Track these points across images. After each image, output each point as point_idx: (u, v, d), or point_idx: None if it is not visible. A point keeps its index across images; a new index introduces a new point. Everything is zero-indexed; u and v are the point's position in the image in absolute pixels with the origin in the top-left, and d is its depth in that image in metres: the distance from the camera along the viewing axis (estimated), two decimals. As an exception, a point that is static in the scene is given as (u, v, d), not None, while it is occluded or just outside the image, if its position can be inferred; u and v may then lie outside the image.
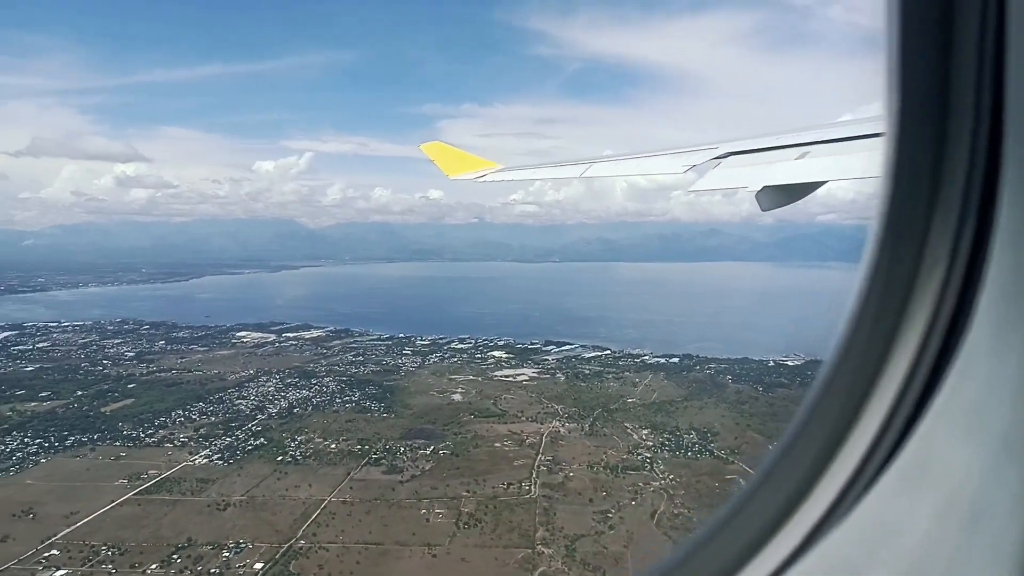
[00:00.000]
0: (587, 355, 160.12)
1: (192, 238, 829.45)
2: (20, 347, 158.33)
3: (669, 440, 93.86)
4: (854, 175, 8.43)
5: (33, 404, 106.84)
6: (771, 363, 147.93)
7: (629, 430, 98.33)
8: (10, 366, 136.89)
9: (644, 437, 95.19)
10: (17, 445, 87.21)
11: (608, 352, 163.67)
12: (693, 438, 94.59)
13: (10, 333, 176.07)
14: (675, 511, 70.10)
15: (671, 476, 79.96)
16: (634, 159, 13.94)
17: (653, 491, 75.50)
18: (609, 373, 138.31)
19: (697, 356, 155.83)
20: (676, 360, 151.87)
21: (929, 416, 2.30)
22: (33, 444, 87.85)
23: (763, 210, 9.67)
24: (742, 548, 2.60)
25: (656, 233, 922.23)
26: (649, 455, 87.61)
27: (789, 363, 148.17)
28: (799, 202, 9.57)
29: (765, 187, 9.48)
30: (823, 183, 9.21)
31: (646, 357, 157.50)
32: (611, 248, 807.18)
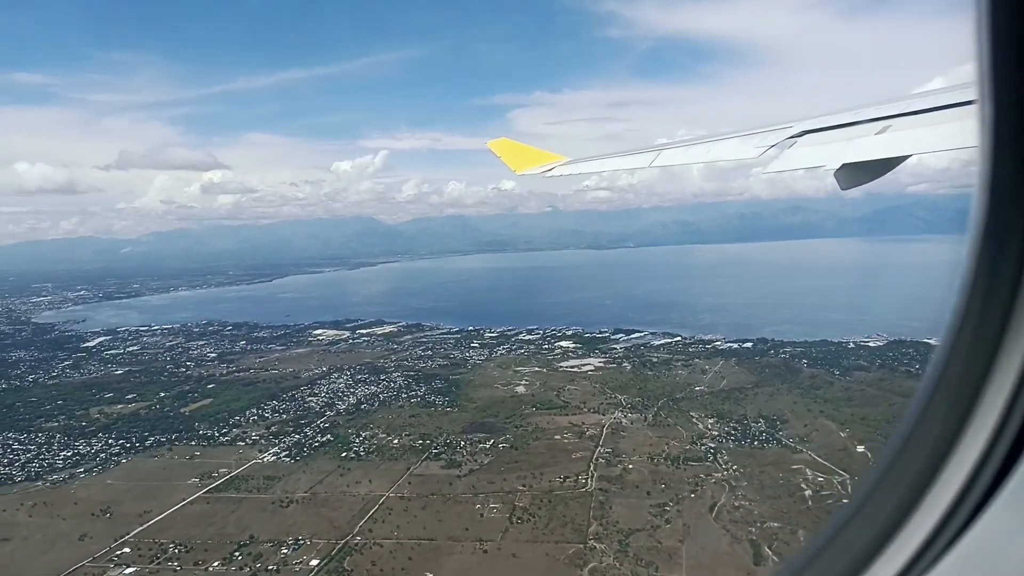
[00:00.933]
0: (656, 343, 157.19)
1: (276, 239, 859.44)
2: (112, 351, 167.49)
3: (735, 429, 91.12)
4: (939, 148, 8.14)
5: (119, 406, 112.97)
6: (851, 345, 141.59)
7: (694, 419, 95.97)
8: (102, 370, 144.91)
9: (709, 426, 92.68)
10: (102, 446, 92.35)
11: (678, 339, 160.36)
12: (761, 426, 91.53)
13: (104, 338, 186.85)
14: (735, 504, 67.77)
15: (734, 467, 77.50)
16: (704, 143, 13.44)
17: (715, 483, 73.32)
18: (678, 360, 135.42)
19: (772, 340, 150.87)
20: (750, 345, 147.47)
21: None
22: (116, 445, 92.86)
23: (842, 189, 9.53)
24: None
25: (736, 212, 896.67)
26: (713, 445, 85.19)
27: (871, 344, 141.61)
28: (888, 174, 9.30)
29: (844, 165, 9.17)
30: (906, 158, 8.78)
31: (718, 343, 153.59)
32: (688, 230, 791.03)
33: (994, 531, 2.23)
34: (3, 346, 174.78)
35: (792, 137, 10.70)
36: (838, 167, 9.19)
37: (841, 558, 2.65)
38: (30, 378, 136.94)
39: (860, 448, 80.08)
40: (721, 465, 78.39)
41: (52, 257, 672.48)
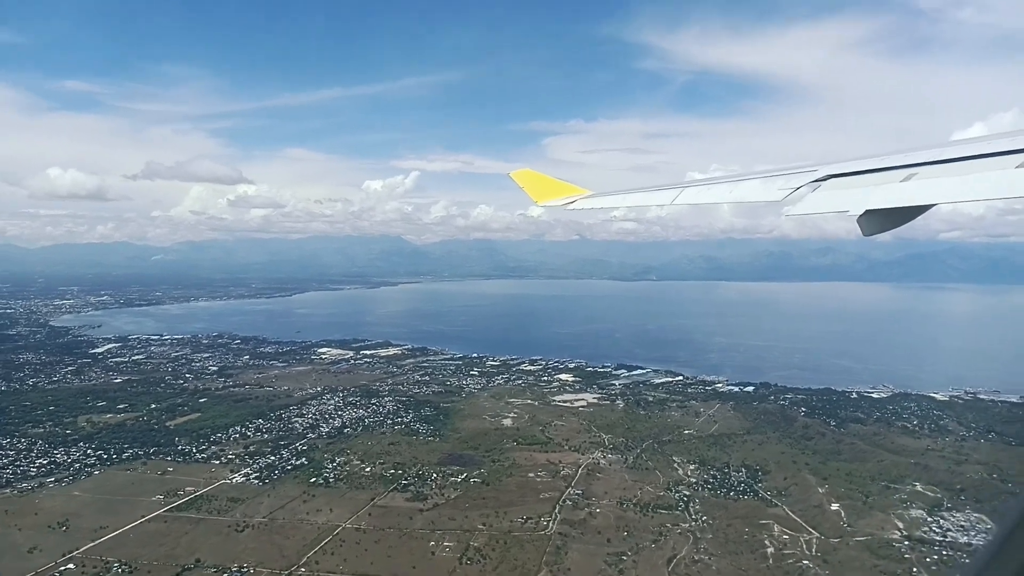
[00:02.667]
0: (657, 380, 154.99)
1: (304, 254, 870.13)
2: (118, 359, 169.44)
3: (715, 477, 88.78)
4: (964, 199, 8.01)
5: (108, 416, 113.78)
6: (854, 395, 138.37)
7: (675, 464, 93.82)
8: (102, 377, 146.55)
9: (689, 473, 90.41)
10: (79, 456, 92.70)
11: (680, 378, 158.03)
12: (741, 476, 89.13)
13: (113, 345, 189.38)
14: (695, 557, 65.51)
15: (704, 518, 75.18)
16: (727, 183, 13.48)
17: (680, 533, 71.10)
18: (674, 401, 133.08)
19: (776, 385, 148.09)
20: (751, 389, 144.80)
21: None
22: (93, 456, 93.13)
23: (865, 235, 9.39)
24: None
25: (764, 251, 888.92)
26: (688, 493, 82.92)
27: (874, 395, 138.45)
28: (920, 219, 9.25)
29: (867, 211, 9.13)
30: (930, 207, 8.79)
31: (719, 385, 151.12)
32: (714, 266, 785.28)
33: None
34: (16, 348, 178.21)
35: (817, 180, 10.71)
36: (861, 213, 9.15)
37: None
38: (31, 381, 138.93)
39: (835, 506, 77.37)
40: (691, 515, 76.10)
41: (84, 260, 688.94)
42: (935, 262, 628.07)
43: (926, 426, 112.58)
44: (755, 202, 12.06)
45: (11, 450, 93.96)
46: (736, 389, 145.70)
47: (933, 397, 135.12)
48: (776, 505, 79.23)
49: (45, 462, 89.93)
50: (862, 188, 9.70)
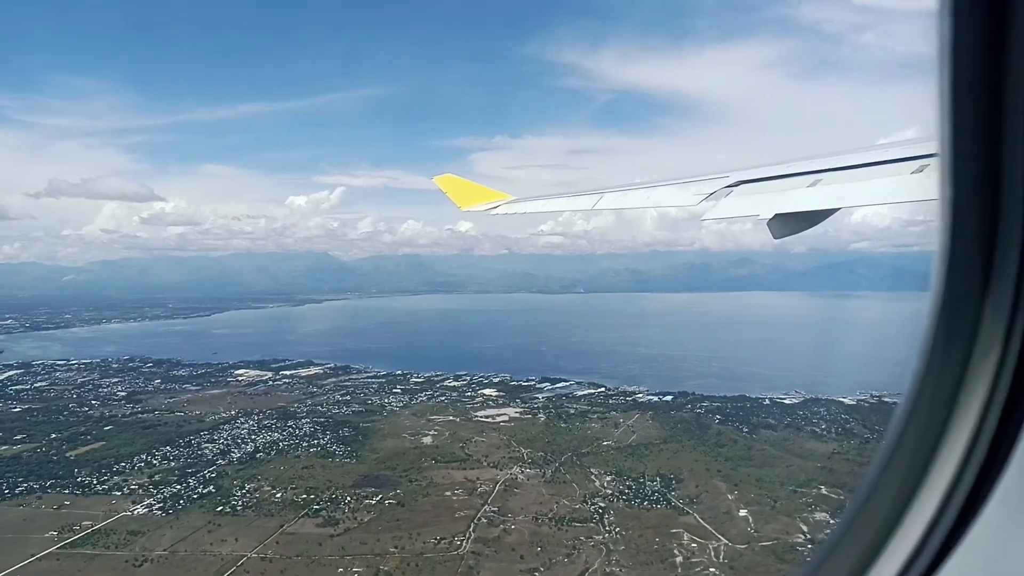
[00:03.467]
0: (580, 393, 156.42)
1: (225, 272, 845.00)
2: (19, 386, 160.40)
3: (630, 488, 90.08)
4: (865, 202, 8.60)
5: (4, 447, 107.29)
6: (767, 402, 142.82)
7: (592, 476, 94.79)
8: (1, 407, 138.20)
9: (605, 484, 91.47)
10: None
11: (602, 390, 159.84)
12: (656, 485, 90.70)
13: (15, 372, 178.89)
14: (607, 569, 66.33)
15: (617, 529, 76.19)
16: (644, 189, 13.84)
17: (593, 546, 71.86)
18: (595, 412, 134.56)
19: (693, 394, 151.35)
20: (669, 398, 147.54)
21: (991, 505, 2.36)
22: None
23: (775, 238, 9.79)
24: None
25: (686, 263, 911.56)
26: (603, 504, 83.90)
27: (786, 401, 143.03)
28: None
29: (777, 215, 9.49)
30: (835, 210, 9.18)
31: (639, 395, 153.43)
32: (639, 278, 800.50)
33: (985, 539, 2.38)
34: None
35: (729, 186, 11.04)
36: (771, 216, 9.50)
37: (840, 565, 2.79)
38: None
39: (743, 512, 79.67)
40: (604, 527, 76.99)
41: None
42: (845, 271, 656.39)
43: (833, 430, 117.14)
44: (671, 206, 12.59)
45: None
46: (655, 399, 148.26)
47: (841, 401, 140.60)
48: (687, 513, 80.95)
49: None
50: (771, 193, 10.11)
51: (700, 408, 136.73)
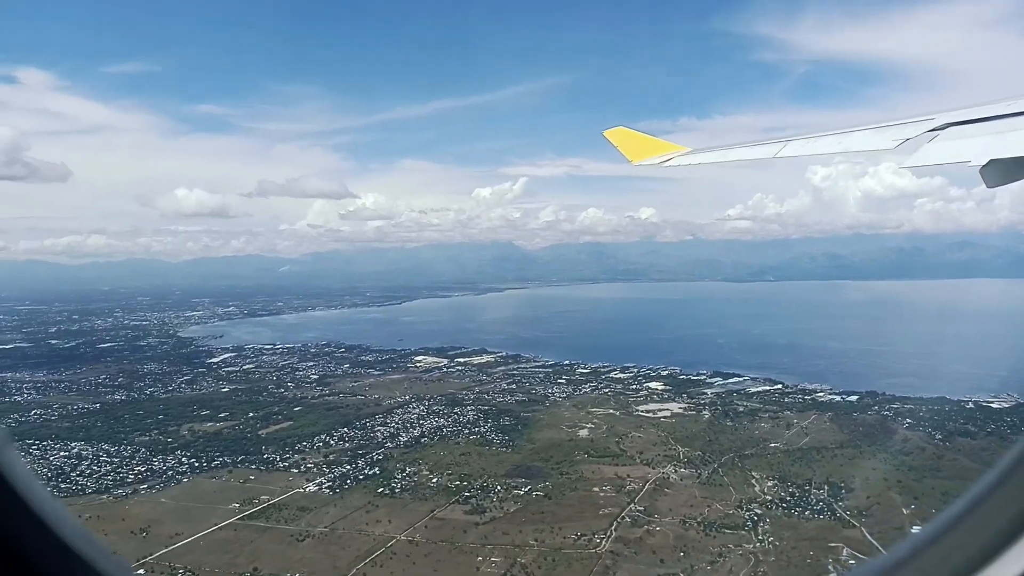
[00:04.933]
0: (753, 389, 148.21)
1: (418, 262, 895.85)
2: (230, 368, 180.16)
3: (793, 495, 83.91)
4: None
5: (209, 424, 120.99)
6: (970, 405, 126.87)
7: (753, 480, 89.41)
8: (212, 387, 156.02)
9: (766, 490, 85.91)
10: (173, 464, 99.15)
11: (778, 387, 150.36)
12: (822, 494, 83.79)
13: (229, 355, 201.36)
14: (752, 583, 62.29)
15: (771, 539, 71.26)
16: (835, 135, 13.07)
17: (740, 555, 67.72)
18: (767, 411, 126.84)
19: (883, 394, 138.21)
20: (854, 399, 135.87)
21: None
22: (186, 463, 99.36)
23: (989, 187, 8.93)
24: None
25: (895, 247, 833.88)
26: (760, 511, 78.81)
27: (994, 406, 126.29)
28: None
29: (992, 161, 8.58)
30: None
31: (820, 394, 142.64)
32: (839, 264, 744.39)
33: None
34: (143, 358, 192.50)
35: (934, 130, 10.08)
36: (985, 163, 8.59)
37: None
38: (148, 391, 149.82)
39: (916, 528, 71.14)
40: (757, 536, 72.29)
41: (219, 273, 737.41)
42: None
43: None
44: (865, 151, 11.45)
45: (116, 457, 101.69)
46: (838, 398, 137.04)
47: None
48: (853, 526, 74.00)
49: (143, 469, 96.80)
50: (985, 136, 9.05)
51: (888, 410, 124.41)
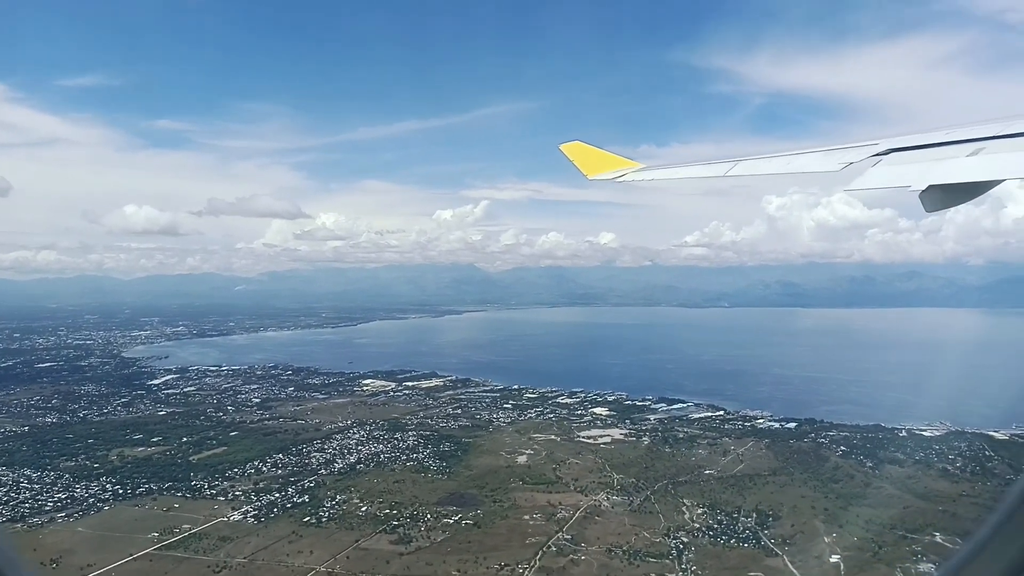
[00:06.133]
0: (695, 415, 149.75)
1: (378, 283, 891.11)
2: (171, 391, 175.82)
3: (721, 522, 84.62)
4: None
5: (140, 449, 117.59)
6: (903, 433, 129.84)
7: (684, 508, 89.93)
8: (150, 410, 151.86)
9: (695, 517, 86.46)
10: (96, 491, 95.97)
11: (720, 413, 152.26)
12: (749, 522, 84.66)
13: (171, 376, 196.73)
14: (669, 614, 62.39)
15: (693, 568, 71.65)
16: (784, 156, 13.39)
17: (661, 586, 67.96)
18: (706, 438, 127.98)
19: (821, 421, 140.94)
20: (793, 426, 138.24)
21: None
22: (110, 491, 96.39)
23: (928, 211, 9.12)
24: None
25: (846, 275, 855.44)
26: (686, 540, 79.27)
27: (926, 434, 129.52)
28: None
29: (931, 186, 8.85)
30: (998, 182, 8.59)
31: (760, 421, 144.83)
32: (792, 292, 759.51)
33: None
34: (81, 379, 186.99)
35: (877, 155, 10.47)
36: (924, 188, 8.84)
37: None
38: (82, 414, 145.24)
39: (834, 558, 72.36)
40: (680, 565, 72.64)
41: (172, 291, 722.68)
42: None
43: (969, 469, 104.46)
44: (812, 173, 11.69)
45: (37, 484, 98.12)
46: (777, 425, 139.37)
47: (991, 436, 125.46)
48: (776, 555, 74.89)
49: (63, 496, 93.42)
50: (925, 163, 9.40)
51: (824, 438, 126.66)
